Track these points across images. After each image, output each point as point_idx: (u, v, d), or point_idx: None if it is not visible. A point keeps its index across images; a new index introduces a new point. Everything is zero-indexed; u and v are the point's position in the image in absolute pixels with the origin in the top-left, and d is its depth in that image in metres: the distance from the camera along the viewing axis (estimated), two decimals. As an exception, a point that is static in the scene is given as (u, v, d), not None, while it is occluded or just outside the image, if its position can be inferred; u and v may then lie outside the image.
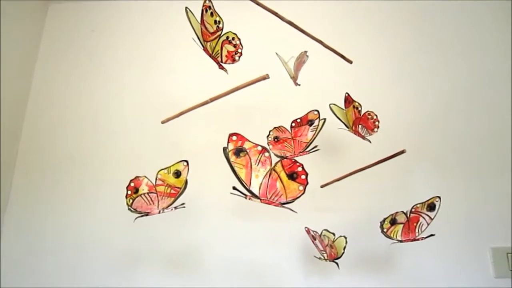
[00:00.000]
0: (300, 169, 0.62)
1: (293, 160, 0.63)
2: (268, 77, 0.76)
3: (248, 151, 0.62)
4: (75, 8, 1.55)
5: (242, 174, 0.61)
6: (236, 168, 0.62)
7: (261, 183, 0.62)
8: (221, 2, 0.87)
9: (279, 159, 0.63)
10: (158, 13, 1.51)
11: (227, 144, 0.63)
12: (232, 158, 0.62)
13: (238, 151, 0.62)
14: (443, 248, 1.13)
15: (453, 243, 1.13)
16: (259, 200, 0.61)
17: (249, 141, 0.63)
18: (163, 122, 0.86)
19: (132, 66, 1.44)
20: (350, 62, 0.91)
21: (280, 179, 0.62)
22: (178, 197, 0.84)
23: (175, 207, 0.83)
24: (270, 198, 0.62)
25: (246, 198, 0.61)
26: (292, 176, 0.63)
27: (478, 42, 1.35)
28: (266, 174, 0.62)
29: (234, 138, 0.63)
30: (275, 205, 0.62)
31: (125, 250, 1.22)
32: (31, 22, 1.48)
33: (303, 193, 0.63)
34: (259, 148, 0.63)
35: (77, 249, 1.24)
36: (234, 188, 0.60)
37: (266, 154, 0.63)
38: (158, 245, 1.21)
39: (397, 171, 1.18)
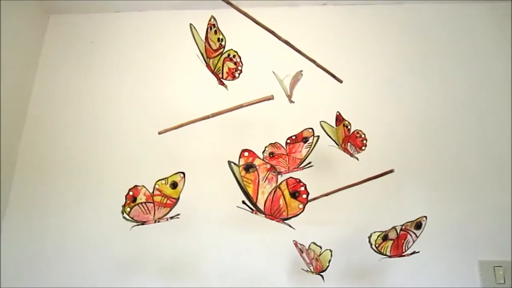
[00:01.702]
0: (302, 188, 0.68)
1: (298, 180, 0.68)
2: (273, 98, 0.82)
3: (257, 167, 0.67)
4: (75, 19, 1.57)
5: (250, 189, 0.66)
6: (244, 183, 0.66)
7: (266, 199, 0.67)
8: (222, 21, 0.90)
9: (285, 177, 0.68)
10: (157, 24, 1.55)
11: (239, 160, 0.67)
12: (242, 173, 0.66)
13: (248, 167, 0.67)
14: (432, 260, 1.16)
15: (442, 255, 1.17)
16: (264, 215, 0.66)
17: (260, 158, 0.68)
18: (160, 133, 0.89)
19: (131, 76, 1.47)
20: (340, 81, 0.96)
21: (284, 197, 0.67)
22: (173, 207, 0.87)
23: (170, 217, 0.87)
24: (273, 214, 0.67)
25: (252, 212, 0.66)
26: (294, 194, 0.68)
27: (473, 52, 1.40)
28: (272, 191, 0.67)
29: (246, 154, 0.67)
30: (277, 221, 0.67)
31: (123, 254, 1.24)
32: (32, 33, 1.50)
33: (302, 211, 0.68)
34: (268, 166, 0.68)
35: (76, 252, 1.26)
36: (243, 202, 0.64)
37: (274, 172, 0.68)
38: (155, 251, 1.23)
39: (387, 185, 1.20)
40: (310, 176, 1.10)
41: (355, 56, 1.43)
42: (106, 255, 1.24)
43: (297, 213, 0.67)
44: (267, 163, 0.68)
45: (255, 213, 0.66)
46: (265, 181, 0.67)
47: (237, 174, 0.68)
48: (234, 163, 0.68)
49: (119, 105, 1.43)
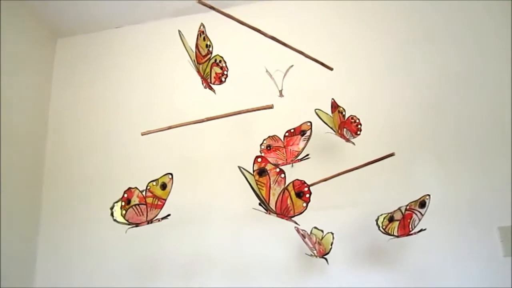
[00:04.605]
0: (306, 189, 0.79)
1: (302, 181, 0.79)
2: (272, 107, 0.91)
3: (269, 171, 0.78)
4: (80, 40, 1.69)
5: (263, 192, 0.77)
6: (258, 186, 0.77)
7: (276, 200, 0.78)
8: (216, 22, 0.96)
9: (292, 180, 0.79)
10: (156, 33, 1.63)
11: (253, 165, 0.78)
12: (256, 177, 0.77)
13: (261, 171, 0.78)
14: (451, 232, 1.19)
15: (461, 228, 1.19)
16: (275, 214, 0.78)
17: (270, 163, 0.78)
18: (143, 134, 0.95)
19: (139, 84, 1.58)
20: (331, 69, 1.03)
21: (290, 197, 0.79)
22: (162, 208, 0.89)
23: (161, 218, 0.90)
24: (283, 213, 0.79)
25: (266, 212, 0.77)
26: (299, 194, 0.79)
27: (471, 27, 1.41)
28: (281, 192, 0.79)
29: (259, 160, 0.78)
30: (286, 219, 0.79)
31: (144, 257, 1.36)
32: (42, 57, 1.64)
33: (305, 209, 0.79)
34: (277, 170, 0.79)
35: (99, 254, 1.39)
36: (259, 204, 0.76)
37: (282, 175, 0.79)
38: (173, 250, 1.35)
39: (399, 163, 1.20)
40: (319, 163, 1.21)
41: (348, 41, 1.48)
42: (127, 257, 1.37)
43: (302, 211, 0.78)
44: (277, 167, 0.78)
45: (269, 213, 0.78)
46: (275, 184, 0.79)
47: (249, 179, 0.78)
48: (244, 169, 0.78)
49: (130, 113, 1.54)
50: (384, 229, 0.96)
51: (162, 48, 1.60)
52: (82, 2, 1.51)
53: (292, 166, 1.11)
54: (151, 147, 1.45)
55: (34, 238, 1.45)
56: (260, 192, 0.77)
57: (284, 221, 0.81)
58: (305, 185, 0.79)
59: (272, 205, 0.78)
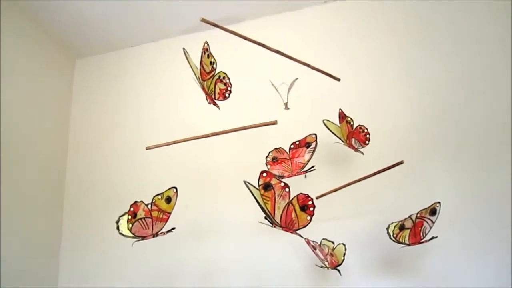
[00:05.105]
0: (310, 202, 0.81)
1: (306, 195, 0.81)
2: (276, 123, 0.92)
3: (274, 186, 0.80)
4: (98, 60, 1.78)
5: (269, 205, 0.79)
6: (264, 200, 0.79)
7: (281, 213, 0.80)
8: (222, 38, 0.99)
9: (297, 193, 0.80)
10: (169, 50, 1.69)
11: (258, 180, 0.80)
12: (262, 191, 0.80)
13: (267, 186, 0.80)
14: (465, 238, 1.17)
15: (475, 232, 1.17)
16: (281, 228, 0.80)
17: (275, 177, 0.80)
18: (147, 149, 0.98)
19: (156, 100, 1.64)
20: (338, 79, 1.04)
21: (295, 211, 0.81)
22: (167, 221, 0.91)
23: (166, 231, 0.91)
24: (287, 226, 0.80)
25: (272, 226, 0.79)
26: (303, 208, 0.81)
27: (474, 33, 1.40)
28: (285, 206, 0.80)
29: (264, 174, 0.80)
30: (291, 232, 0.80)
31: (161, 268, 1.40)
32: (62, 78, 1.74)
33: (309, 222, 0.81)
34: (282, 184, 0.81)
35: (119, 265, 1.44)
36: (265, 218, 0.78)
37: (287, 189, 0.81)
38: (189, 261, 1.38)
39: (410, 170, 1.19)
40: (329, 173, 1.23)
41: (353, 50, 1.49)
42: (144, 269, 1.41)
43: (306, 224, 0.80)
44: (281, 181, 0.80)
45: (274, 226, 0.80)
46: (280, 198, 0.81)
47: (254, 193, 0.81)
48: (250, 183, 0.81)
49: (148, 128, 1.61)
50: (395, 238, 0.96)
51: (178, 65, 1.65)
52: (97, 23, 1.59)
53: (306, 176, 1.11)
54: (168, 161, 1.51)
55: (55, 251, 1.52)
56: (266, 206, 0.79)
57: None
58: (309, 198, 0.80)
59: (277, 218, 0.80)
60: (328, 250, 1.03)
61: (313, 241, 1.00)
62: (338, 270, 0.97)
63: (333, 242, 1.06)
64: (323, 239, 1.06)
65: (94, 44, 1.70)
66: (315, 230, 1.00)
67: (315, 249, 0.99)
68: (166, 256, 1.40)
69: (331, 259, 1.00)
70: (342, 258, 1.01)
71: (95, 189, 1.58)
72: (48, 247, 1.49)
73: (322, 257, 0.99)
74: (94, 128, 1.68)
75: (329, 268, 0.98)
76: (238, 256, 1.35)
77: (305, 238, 0.97)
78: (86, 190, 1.58)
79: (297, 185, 0.91)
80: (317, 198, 1.00)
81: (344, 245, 1.05)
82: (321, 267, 1.00)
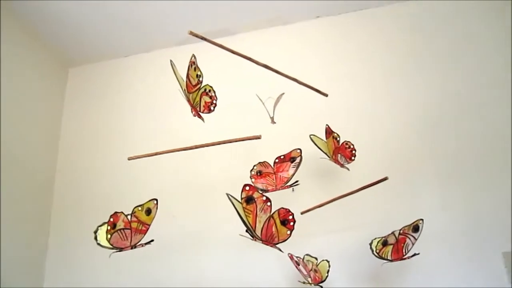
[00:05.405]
0: (291, 217, 0.81)
1: (287, 210, 0.81)
2: (260, 138, 0.93)
3: (256, 199, 0.80)
4: (91, 69, 1.78)
5: (250, 218, 0.79)
6: (246, 213, 0.79)
7: (262, 227, 0.80)
8: (210, 53, 0.99)
9: (278, 208, 0.80)
10: (162, 61, 1.64)
11: (241, 193, 0.80)
12: (244, 204, 0.79)
13: (249, 199, 0.80)
14: (453, 256, 1.16)
15: (463, 249, 1.16)
16: (261, 241, 0.80)
17: (258, 191, 0.81)
18: (129, 159, 0.98)
19: (148, 110, 1.63)
20: (326, 95, 1.05)
21: (275, 225, 0.81)
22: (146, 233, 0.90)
23: (145, 243, 0.90)
24: (267, 240, 0.80)
25: (252, 239, 0.79)
26: (284, 222, 0.81)
27: (467, 47, 1.40)
28: (266, 220, 0.80)
29: (247, 188, 0.81)
30: (271, 246, 0.80)
31: (152, 279, 1.37)
32: (54, 88, 1.73)
33: (289, 237, 0.81)
34: (264, 198, 0.81)
35: (110, 276, 1.41)
36: (246, 231, 0.78)
37: (268, 203, 0.81)
38: (177, 272, 1.35)
39: (398, 185, 1.21)
40: (317, 188, 1.23)
41: (342, 65, 1.50)
42: (134, 279, 1.38)
43: (286, 239, 0.80)
44: (263, 195, 0.80)
45: (255, 239, 0.79)
46: (261, 211, 0.80)
47: (236, 206, 0.81)
48: (232, 196, 0.81)
49: (140, 138, 1.59)
50: (378, 253, 0.96)
51: (170, 76, 1.66)
52: (91, 32, 1.59)
53: (293, 190, 1.11)
54: (158, 172, 1.49)
55: (42, 261, 1.48)
56: (247, 219, 0.79)
57: (285, 248, 0.81)
58: (290, 213, 0.80)
59: (258, 231, 0.80)
60: (311, 266, 1.02)
61: (296, 257, 1.00)
62: (321, 287, 0.96)
63: (316, 258, 1.05)
64: (306, 254, 1.05)
65: (87, 53, 1.71)
66: (300, 245, 1.02)
67: (298, 265, 0.99)
68: (153, 267, 1.37)
69: (314, 275, 0.99)
70: (326, 274, 1.00)
71: (84, 199, 1.55)
72: (34, 257, 1.46)
73: (306, 273, 0.99)
74: (85, 137, 1.66)
75: (312, 284, 0.97)
76: (225, 269, 1.33)
77: (288, 254, 0.97)
78: (75, 199, 1.56)
79: (283, 200, 0.92)
80: (302, 213, 1.00)
81: (328, 261, 1.04)
82: (304, 283, 0.99)
